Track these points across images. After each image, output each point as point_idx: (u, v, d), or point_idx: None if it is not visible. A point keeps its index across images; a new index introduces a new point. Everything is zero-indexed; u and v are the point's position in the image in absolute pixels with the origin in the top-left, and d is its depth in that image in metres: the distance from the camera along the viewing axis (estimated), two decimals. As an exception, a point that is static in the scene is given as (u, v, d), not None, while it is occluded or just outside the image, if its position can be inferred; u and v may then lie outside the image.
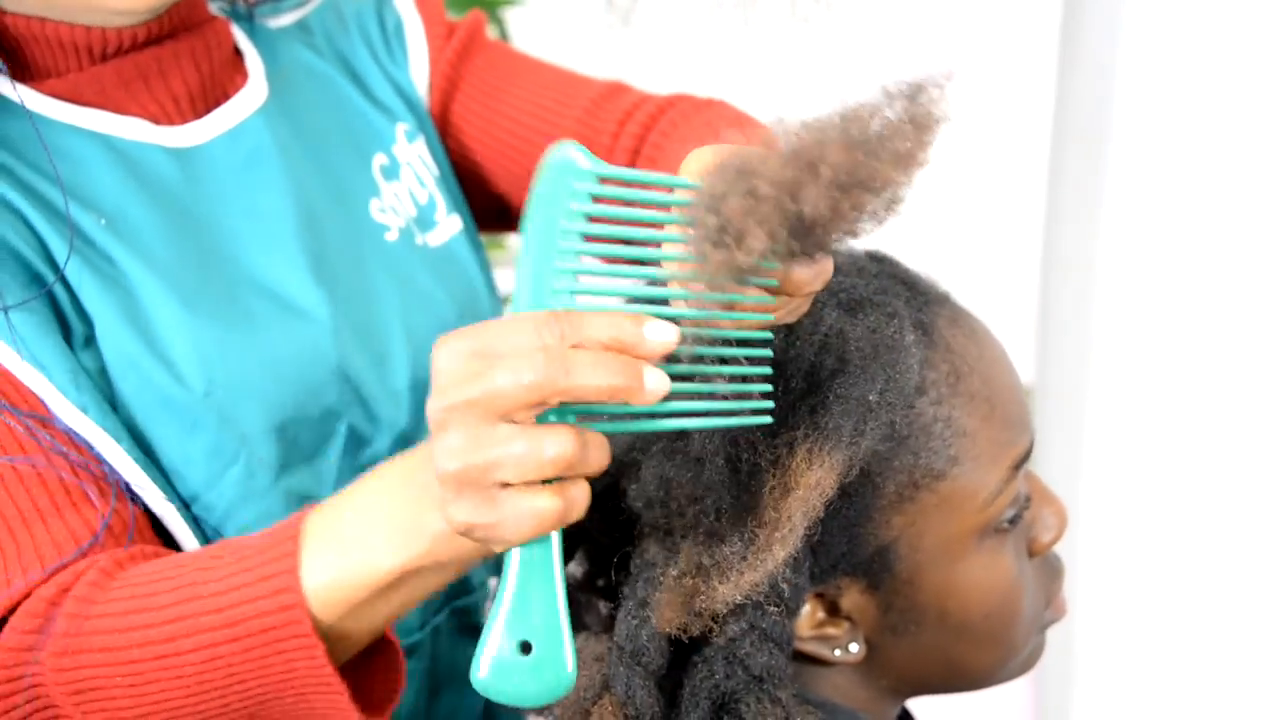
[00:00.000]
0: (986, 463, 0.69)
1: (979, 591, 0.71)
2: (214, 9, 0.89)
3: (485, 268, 0.95)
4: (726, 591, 0.63)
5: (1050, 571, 0.77)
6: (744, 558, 0.63)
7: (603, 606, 0.76)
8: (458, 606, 0.95)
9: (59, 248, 0.75)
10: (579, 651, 0.69)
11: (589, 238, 0.57)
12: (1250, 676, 1.57)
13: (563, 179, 0.57)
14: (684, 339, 0.56)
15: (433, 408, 0.55)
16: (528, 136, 0.94)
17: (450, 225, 0.93)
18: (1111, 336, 1.62)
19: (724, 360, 0.60)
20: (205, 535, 0.78)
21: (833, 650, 0.72)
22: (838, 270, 0.71)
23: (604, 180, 0.57)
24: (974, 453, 0.69)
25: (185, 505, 0.78)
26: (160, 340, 0.77)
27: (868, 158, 0.51)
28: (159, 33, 0.81)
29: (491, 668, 0.58)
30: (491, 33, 1.58)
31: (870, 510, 0.68)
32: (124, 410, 0.76)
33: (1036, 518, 0.76)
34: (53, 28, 0.77)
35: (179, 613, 0.65)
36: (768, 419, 0.60)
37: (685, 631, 0.66)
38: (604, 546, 0.73)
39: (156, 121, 0.82)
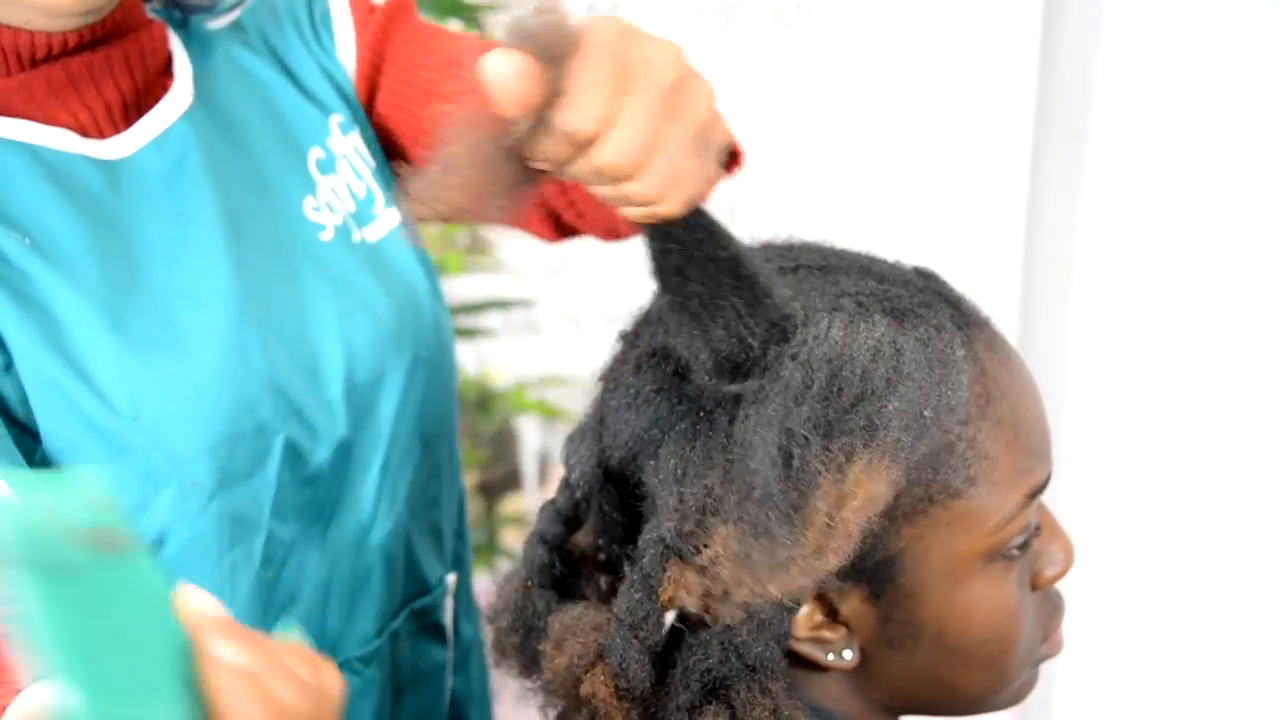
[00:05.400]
0: (1003, 488, 0.69)
1: (979, 615, 0.71)
2: (149, 11, 0.85)
3: (426, 262, 0.92)
4: (774, 590, 0.64)
5: (1051, 607, 0.77)
6: (793, 559, 0.63)
7: (603, 581, 0.76)
8: (416, 608, 0.93)
9: None
10: (578, 618, 0.70)
11: None
12: (1232, 691, 1.57)
13: None
14: None
15: None
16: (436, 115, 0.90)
17: (389, 219, 0.90)
18: (1091, 334, 1.64)
19: None
20: None
21: (826, 654, 0.71)
22: (883, 279, 0.72)
23: None
24: (993, 477, 0.69)
25: None
26: (84, 363, 0.74)
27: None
28: (91, 38, 0.78)
29: None
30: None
31: (880, 518, 0.67)
32: (47, 436, 0.73)
33: (1043, 551, 0.75)
34: None
35: None
36: None
37: (704, 610, 0.66)
38: (613, 522, 0.74)
39: (85, 133, 0.80)
